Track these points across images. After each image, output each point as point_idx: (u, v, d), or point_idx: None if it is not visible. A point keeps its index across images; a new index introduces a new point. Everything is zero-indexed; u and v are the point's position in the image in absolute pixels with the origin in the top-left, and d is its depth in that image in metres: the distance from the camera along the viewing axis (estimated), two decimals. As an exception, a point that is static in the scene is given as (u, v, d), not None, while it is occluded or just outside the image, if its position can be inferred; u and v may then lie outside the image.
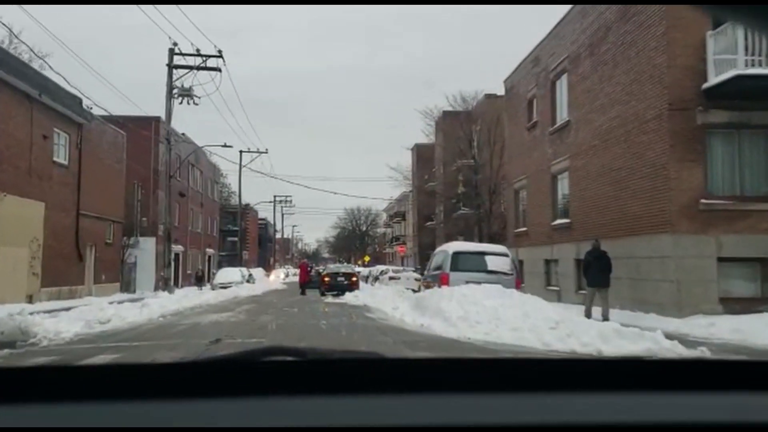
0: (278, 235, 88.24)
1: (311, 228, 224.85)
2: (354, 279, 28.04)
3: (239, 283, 34.56)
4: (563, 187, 20.57)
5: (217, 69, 27.35)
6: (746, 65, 13.14)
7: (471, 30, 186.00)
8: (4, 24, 23.73)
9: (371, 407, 1.04)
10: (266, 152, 47.78)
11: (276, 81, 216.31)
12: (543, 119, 22.07)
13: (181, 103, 27.52)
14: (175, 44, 27.38)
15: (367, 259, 74.87)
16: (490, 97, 35.37)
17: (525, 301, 12.67)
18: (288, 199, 74.30)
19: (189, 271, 44.34)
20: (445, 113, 39.47)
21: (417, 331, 12.22)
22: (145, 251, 34.88)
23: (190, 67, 27.47)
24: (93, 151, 26.51)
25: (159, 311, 16.20)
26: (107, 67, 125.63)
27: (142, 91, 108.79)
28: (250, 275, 39.97)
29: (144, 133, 34.35)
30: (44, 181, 22.27)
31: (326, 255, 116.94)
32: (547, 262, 21.58)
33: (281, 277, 54.70)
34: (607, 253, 14.38)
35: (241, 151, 47.72)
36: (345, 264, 49.18)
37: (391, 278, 31.08)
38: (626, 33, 15.80)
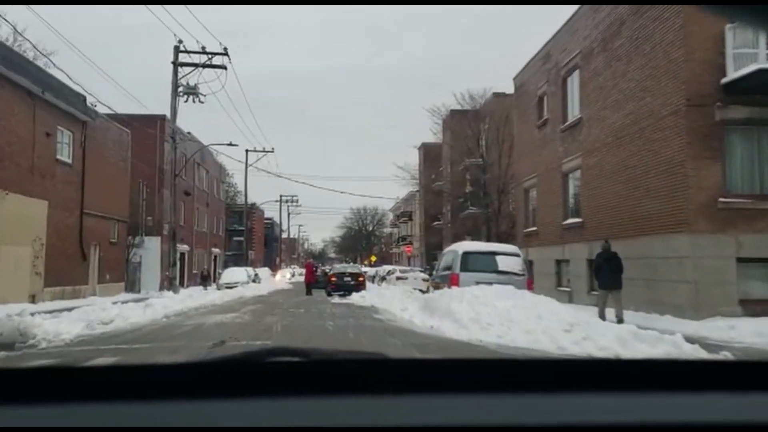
0: (284, 235, 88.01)
1: (317, 228, 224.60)
2: (361, 279, 27.72)
3: (245, 283, 34.29)
4: (575, 185, 20.18)
5: (223, 67, 27.09)
6: (768, 59, 12.74)
7: (476, 30, 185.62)
8: (7, 21, 23.50)
9: (375, 408, 1.04)
10: (272, 151, 47.41)
11: (282, 81, 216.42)
12: (554, 117, 21.66)
13: (186, 101, 27.23)
14: (180, 42, 27.13)
15: (373, 259, 74.62)
16: (498, 96, 34.96)
17: (538, 303, 12.29)
18: (294, 198, 74.18)
19: (195, 271, 44.12)
20: (453, 112, 39.06)
21: (426, 333, 11.87)
22: (150, 251, 34.66)
23: (196, 65, 27.21)
24: (97, 149, 26.25)
25: (162, 312, 15.94)
26: (112, 67, 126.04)
27: (148, 90, 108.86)
28: (256, 275, 39.72)
29: (149, 131, 34.10)
30: (47, 180, 22.00)
31: (332, 255, 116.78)
32: (558, 262, 21.18)
33: (287, 276, 54.49)
34: (618, 254, 14.06)
35: (247, 150, 47.42)
36: (351, 264, 48.85)
37: (398, 278, 30.69)
38: (641, 27, 15.38)
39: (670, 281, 14.08)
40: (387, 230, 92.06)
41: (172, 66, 26.64)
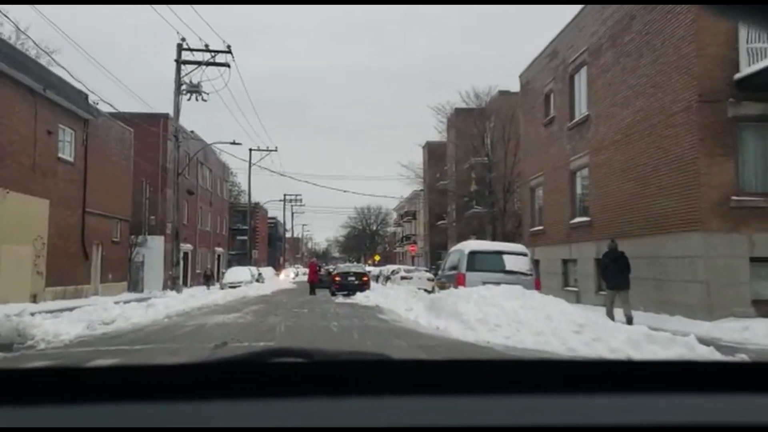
0: (288, 234, 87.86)
1: (321, 227, 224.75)
2: (365, 279, 27.47)
3: (248, 283, 34.15)
4: (582, 184, 19.89)
5: (226, 65, 26.94)
6: (782, 54, 12.44)
7: (479, 29, 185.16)
8: (10, 20, 23.33)
9: (378, 409, 1.04)
10: (276, 150, 47.24)
11: (284, 81, 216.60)
12: (561, 114, 21.37)
13: (189, 99, 27.10)
14: (183, 39, 27.01)
15: (377, 258, 74.42)
16: (504, 94, 34.67)
17: (546, 303, 12.03)
18: (298, 197, 74.01)
19: (198, 270, 43.97)
20: (458, 110, 38.77)
21: (433, 334, 11.62)
22: (153, 250, 34.49)
23: (199, 63, 27.07)
24: (99, 147, 26.04)
25: (164, 312, 15.76)
26: (114, 67, 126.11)
27: (151, 90, 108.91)
28: (260, 274, 39.57)
29: (152, 129, 33.91)
30: (49, 178, 21.80)
31: (336, 254, 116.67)
32: (565, 262, 20.90)
33: (291, 276, 54.37)
34: (625, 254, 13.79)
35: (250, 149, 47.30)
36: (355, 263, 48.59)
37: (402, 278, 30.41)
38: (651, 22, 15.09)
39: (681, 281, 13.80)
40: (391, 230, 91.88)
41: (174, 65, 26.49)
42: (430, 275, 30.48)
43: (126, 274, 30.74)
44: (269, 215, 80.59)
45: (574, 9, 20.12)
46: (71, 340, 10.61)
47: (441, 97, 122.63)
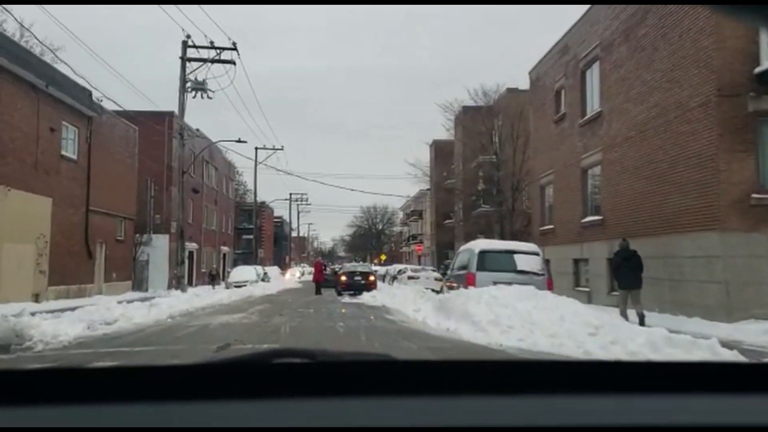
0: (294, 234, 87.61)
1: (327, 227, 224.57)
2: (371, 278, 27.09)
3: (254, 282, 33.87)
4: (594, 182, 19.47)
5: (231, 62, 26.63)
6: (805, 47, 12.00)
7: (484, 29, 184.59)
8: (14, 17, 23.14)
9: (381, 409, 1.04)
10: (282, 149, 46.88)
11: (289, 81, 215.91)
12: (572, 111, 20.95)
13: (194, 97, 26.78)
14: (189, 36, 26.70)
15: (383, 257, 74.15)
16: (512, 91, 34.23)
17: (560, 304, 11.65)
18: (304, 197, 73.78)
19: (203, 270, 43.72)
20: (465, 108, 38.33)
21: (442, 336, 11.27)
22: (158, 249, 34.25)
23: (204, 60, 26.76)
24: (103, 145, 25.76)
25: (168, 312, 15.50)
26: (120, 66, 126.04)
27: (156, 90, 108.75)
28: (265, 274, 39.30)
29: (157, 128, 33.64)
30: (51, 176, 21.51)
31: (342, 254, 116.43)
32: (576, 261, 20.48)
33: (297, 275, 54.22)
34: (638, 252, 13.44)
35: (256, 148, 46.89)
36: (362, 263, 48.22)
37: (410, 278, 29.99)
38: (667, 15, 14.65)
39: (698, 281, 13.38)
40: (397, 229, 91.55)
41: (179, 62, 26.18)
42: (437, 275, 30.08)
43: (130, 274, 30.47)
44: (275, 214, 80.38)
45: (578, 7, 19.72)
46: (70, 342, 10.37)
47: (445, 96, 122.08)
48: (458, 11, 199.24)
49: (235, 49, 26.80)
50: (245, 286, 31.02)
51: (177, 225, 27.46)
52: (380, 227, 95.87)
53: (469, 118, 37.54)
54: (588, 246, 19.33)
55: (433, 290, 21.96)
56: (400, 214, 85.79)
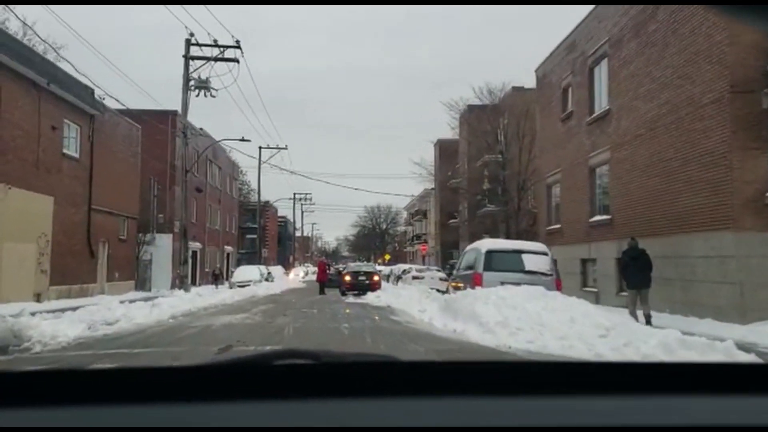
0: (298, 234, 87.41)
1: (331, 226, 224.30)
2: (376, 279, 26.83)
3: (257, 282, 33.64)
4: (603, 180, 19.17)
5: (235, 60, 26.42)
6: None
7: (485, 28, 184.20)
8: (16, 15, 22.96)
9: (385, 410, 1.04)
10: (285, 148, 46.74)
11: (291, 81, 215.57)
12: (579, 109, 20.66)
13: (197, 95, 26.57)
14: (192, 34, 26.51)
15: (387, 257, 73.86)
16: (518, 90, 33.92)
17: (570, 305, 11.38)
18: (308, 196, 73.54)
19: (207, 269, 43.54)
20: (470, 107, 37.99)
21: (449, 337, 11.01)
22: (161, 248, 34.08)
23: (208, 58, 26.56)
24: (106, 143, 25.55)
25: (170, 312, 15.31)
26: (123, 66, 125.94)
27: (159, 90, 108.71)
28: (269, 273, 39.08)
29: (161, 126, 33.44)
30: (53, 175, 21.30)
31: (346, 253, 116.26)
32: (584, 261, 20.19)
33: (300, 275, 53.99)
34: (646, 251, 13.25)
35: (260, 147, 46.76)
36: (366, 262, 47.91)
37: (414, 278, 29.69)
38: (678, 9, 14.35)
39: (710, 282, 13.08)
40: (401, 229, 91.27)
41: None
42: (442, 275, 29.79)
43: (133, 273, 30.28)
44: (279, 214, 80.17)
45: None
46: (69, 343, 10.20)
47: (447, 96, 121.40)
48: (460, 11, 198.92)
49: (238, 47, 26.60)
50: (249, 285, 30.81)
51: (180, 224, 27.25)
52: (384, 227, 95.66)
53: (475, 116, 37.22)
54: (596, 246, 19.04)
55: (438, 290, 21.68)
56: (404, 214, 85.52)
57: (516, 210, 32.31)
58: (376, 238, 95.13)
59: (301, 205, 74.86)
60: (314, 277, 35.90)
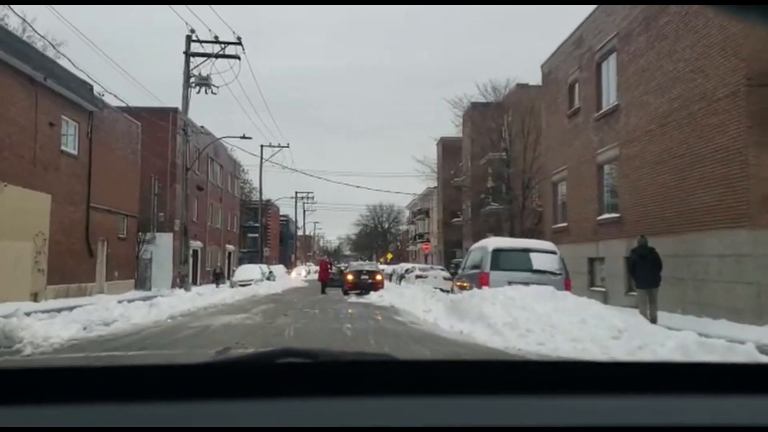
0: (300, 232, 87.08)
1: (333, 225, 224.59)
2: (379, 278, 26.40)
3: (259, 281, 33.30)
4: (611, 178, 18.76)
5: (236, 57, 26.08)
6: (842, 32, 11.26)
7: (486, 28, 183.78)
8: (15, 12, 22.60)
9: (383, 409, 1.04)
10: (287, 146, 46.52)
11: (292, 80, 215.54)
12: (587, 105, 20.25)
13: (198, 92, 26.24)
14: (193, 31, 26.18)
15: (389, 256, 73.57)
16: (522, 87, 33.51)
17: (581, 306, 10.99)
18: (310, 195, 73.21)
19: (208, 268, 43.21)
20: (474, 104, 37.58)
21: (456, 339, 10.63)
22: (161, 247, 33.74)
23: (209, 55, 26.23)
24: (105, 140, 25.17)
25: (168, 312, 14.96)
26: (124, 64, 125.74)
27: (160, 90, 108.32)
28: (271, 272, 38.76)
29: (161, 124, 33.08)
30: (50, 172, 20.92)
31: (348, 252, 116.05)
32: (591, 260, 19.78)
33: (302, 274, 53.78)
34: (655, 250, 12.87)
35: (262, 146, 46.47)
36: (369, 261, 47.51)
37: (417, 277, 29.28)
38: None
39: (725, 282, 12.68)
40: (403, 228, 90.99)
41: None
42: (446, 274, 29.40)
43: (133, 272, 29.92)
44: (281, 213, 79.85)
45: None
46: (62, 344, 9.86)
47: (448, 95, 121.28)
48: (460, 11, 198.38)
49: (239, 43, 26.28)
50: (250, 285, 30.46)
51: (181, 223, 26.90)
52: (386, 226, 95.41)
53: (478, 114, 36.81)
54: (604, 244, 18.63)
55: (442, 290, 21.29)
56: (407, 213, 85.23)
57: (521, 208, 31.90)
58: (378, 237, 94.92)
59: (303, 203, 74.59)
60: (316, 276, 35.57)
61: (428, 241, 62.59)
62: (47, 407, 1.00)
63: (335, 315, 15.53)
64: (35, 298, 19.68)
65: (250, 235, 61.40)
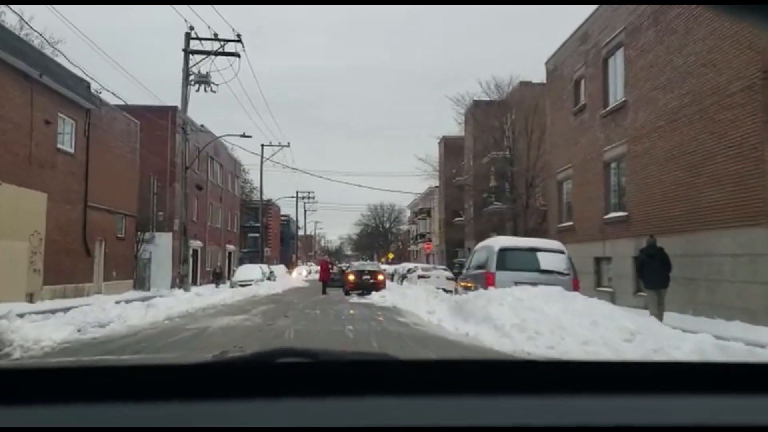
0: (301, 232, 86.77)
1: (334, 225, 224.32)
2: (381, 278, 26.02)
3: (259, 281, 32.93)
4: (618, 175, 18.37)
5: (236, 54, 25.75)
6: None
7: (486, 28, 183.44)
8: (14, 11, 22.26)
9: (383, 409, 1.03)
10: (288, 146, 46.14)
11: (292, 80, 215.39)
12: (593, 101, 19.86)
13: (198, 90, 25.89)
14: (192, 28, 25.86)
15: (390, 256, 73.26)
16: (526, 84, 33.10)
17: (591, 307, 10.63)
18: (311, 195, 72.88)
19: (208, 268, 42.86)
20: (477, 102, 37.14)
21: (462, 341, 10.27)
22: (160, 247, 33.38)
23: (208, 52, 25.89)
24: (103, 139, 24.79)
25: (165, 313, 14.67)
26: (123, 64, 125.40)
27: (160, 90, 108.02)
28: (271, 272, 38.41)
29: (160, 122, 32.72)
30: (47, 170, 20.54)
31: (349, 252, 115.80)
32: (598, 260, 19.39)
33: (303, 274, 53.48)
34: (664, 249, 12.57)
35: (262, 145, 46.21)
36: (370, 261, 47.12)
37: (420, 277, 28.87)
38: (702, -7, 13.55)
39: (739, 282, 12.30)
40: (404, 227, 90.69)
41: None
42: (449, 274, 29.00)
43: (132, 272, 29.55)
44: (282, 213, 79.51)
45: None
46: (53, 347, 9.50)
47: (449, 95, 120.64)
48: (460, 11, 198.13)
49: (239, 41, 25.95)
50: (250, 285, 30.09)
51: (180, 222, 26.55)
52: (387, 225, 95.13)
53: (481, 112, 36.38)
54: (611, 244, 18.25)
55: (445, 290, 20.92)
56: (408, 213, 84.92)
57: (524, 207, 31.51)
58: (380, 237, 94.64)
59: (304, 203, 74.29)
60: (317, 276, 35.23)
61: (430, 240, 62.25)
62: (46, 407, 0.99)
63: (336, 316, 15.18)
64: (31, 298, 19.32)
65: (250, 234, 61.07)
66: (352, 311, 16.73)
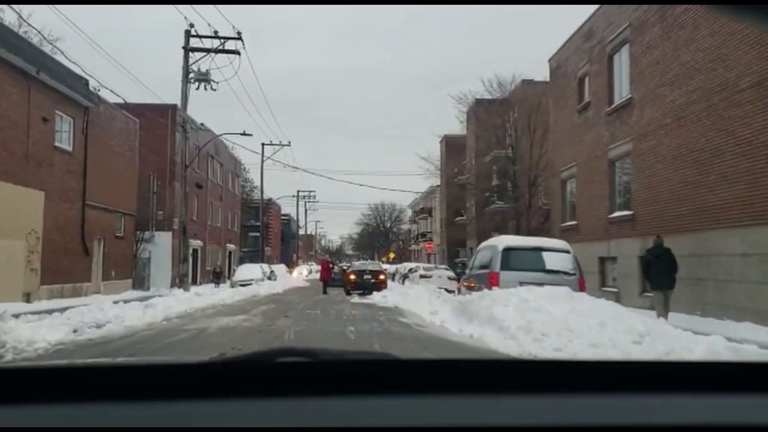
0: (302, 232, 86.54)
1: (335, 224, 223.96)
2: (382, 277, 25.76)
3: (260, 281, 32.68)
4: (623, 174, 18.10)
5: (236, 52, 25.52)
6: None
7: (487, 28, 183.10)
8: (13, 8, 22.02)
9: (383, 408, 1.03)
10: (288, 144, 45.91)
11: (292, 80, 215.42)
12: (597, 99, 19.60)
13: (198, 88, 25.66)
14: (192, 25, 25.62)
15: (391, 255, 73.04)
16: (528, 83, 32.84)
17: (599, 308, 10.38)
18: (311, 194, 72.67)
19: (208, 268, 42.61)
20: (479, 100, 36.86)
21: (466, 343, 10.04)
22: (160, 246, 33.14)
23: (208, 50, 25.65)
24: (101, 137, 24.52)
25: (163, 313, 14.47)
26: (123, 62, 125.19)
27: (160, 90, 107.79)
28: (272, 272, 38.18)
29: (160, 121, 32.47)
30: (44, 168, 20.29)
31: (350, 252, 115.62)
32: (603, 260, 19.14)
33: (304, 273, 53.28)
34: (671, 250, 12.39)
35: (263, 144, 46.02)
36: (371, 261, 46.86)
37: (422, 276, 28.64)
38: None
39: (748, 282, 12.04)
40: (405, 227, 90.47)
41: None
42: (451, 274, 28.74)
43: (131, 272, 29.30)
44: (282, 212, 79.28)
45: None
46: (47, 349, 9.32)
47: (449, 95, 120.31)
48: (460, 11, 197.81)
49: (239, 38, 25.72)
50: (250, 284, 29.85)
51: (180, 221, 26.30)
52: (388, 225, 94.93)
53: (483, 110, 36.10)
54: (616, 243, 17.99)
55: (447, 290, 20.67)
56: (409, 212, 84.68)
57: (527, 206, 31.23)
58: (381, 237, 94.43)
59: (305, 202, 74.09)
60: (317, 276, 34.99)
61: (431, 240, 62.02)
62: (45, 407, 0.99)
63: (337, 316, 14.95)
64: (28, 298, 19.08)
65: (251, 234, 60.81)
66: (353, 311, 16.50)
